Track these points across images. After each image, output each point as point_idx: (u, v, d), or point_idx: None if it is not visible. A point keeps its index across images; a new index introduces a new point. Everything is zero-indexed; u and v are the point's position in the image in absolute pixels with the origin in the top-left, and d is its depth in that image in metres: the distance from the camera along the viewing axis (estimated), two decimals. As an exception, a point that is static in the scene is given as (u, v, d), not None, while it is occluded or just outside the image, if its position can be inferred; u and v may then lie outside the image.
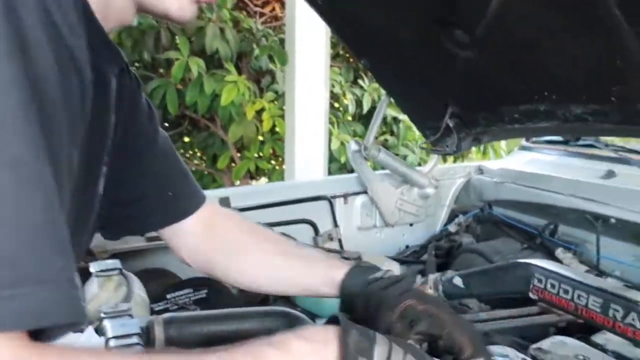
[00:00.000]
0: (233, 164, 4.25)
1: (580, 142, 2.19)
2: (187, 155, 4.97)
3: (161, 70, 4.02)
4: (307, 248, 1.04)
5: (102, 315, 1.11)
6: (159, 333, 1.16)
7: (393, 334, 0.78)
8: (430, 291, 1.53)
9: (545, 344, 1.23)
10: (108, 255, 1.72)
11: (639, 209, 1.71)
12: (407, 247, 2.42)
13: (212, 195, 2.08)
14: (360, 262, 0.87)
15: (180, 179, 1.09)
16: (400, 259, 2.29)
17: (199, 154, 4.77)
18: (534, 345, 1.23)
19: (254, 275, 1.07)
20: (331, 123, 3.87)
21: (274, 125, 3.80)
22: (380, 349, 0.60)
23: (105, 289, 1.44)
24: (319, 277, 0.97)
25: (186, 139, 4.63)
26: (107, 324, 1.14)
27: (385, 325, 0.81)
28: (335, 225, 2.24)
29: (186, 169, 1.11)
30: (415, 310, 0.79)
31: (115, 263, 1.41)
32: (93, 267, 1.38)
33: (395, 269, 1.94)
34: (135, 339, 1.11)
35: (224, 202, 1.98)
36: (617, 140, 2.30)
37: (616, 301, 1.09)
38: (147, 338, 1.16)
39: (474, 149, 4.96)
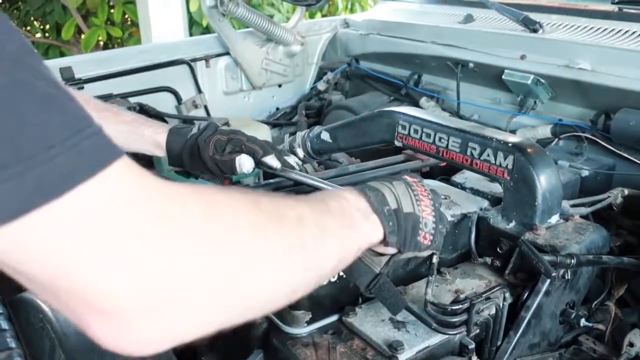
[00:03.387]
0: (82, 35, 3.80)
1: (441, -12, 2.16)
2: (27, 28, 4.37)
3: None
4: (128, 112, 1.25)
5: None
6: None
7: (217, 162, 1.15)
8: (299, 149, 1.49)
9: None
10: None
11: (494, 52, 1.75)
12: (277, 109, 2.35)
13: (52, 65, 1.83)
14: (179, 125, 1.25)
15: None
16: (271, 122, 2.23)
17: (38, 25, 4.20)
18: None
19: None
20: (187, -19, 3.52)
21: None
22: (388, 194, 0.80)
23: None
24: (146, 140, 1.18)
25: (21, 7, 4.03)
26: None
27: (207, 160, 1.15)
28: (199, 91, 2.10)
29: None
30: (222, 140, 1.15)
31: None
32: None
33: (266, 132, 1.88)
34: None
35: (66, 72, 1.75)
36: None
37: (473, 140, 1.11)
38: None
39: (341, 6, 4.84)
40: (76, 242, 0.42)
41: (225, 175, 1.23)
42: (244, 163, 1.14)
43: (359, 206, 0.76)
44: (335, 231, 0.68)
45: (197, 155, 1.16)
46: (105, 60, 1.95)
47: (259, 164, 1.16)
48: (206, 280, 0.49)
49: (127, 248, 0.44)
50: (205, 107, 2.11)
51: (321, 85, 2.32)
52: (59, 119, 0.41)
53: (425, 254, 0.88)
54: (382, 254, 0.85)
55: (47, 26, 4.15)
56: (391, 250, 0.82)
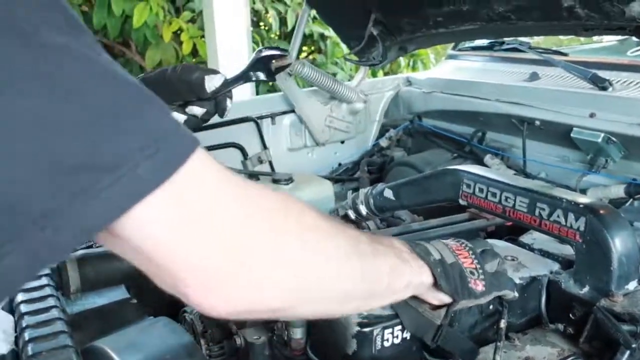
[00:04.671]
0: (155, 92, 4.02)
1: (505, 47, 2.17)
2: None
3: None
4: None
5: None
6: (72, 273, 1.08)
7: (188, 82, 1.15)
8: (362, 206, 1.50)
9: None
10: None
11: (562, 110, 1.72)
12: (339, 165, 2.39)
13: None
14: None
15: None
16: (333, 178, 2.26)
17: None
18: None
19: None
20: (255, 42, 3.68)
21: (194, 48, 3.58)
22: (429, 247, 0.85)
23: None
24: None
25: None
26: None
27: (175, 82, 1.16)
28: (264, 147, 2.16)
29: None
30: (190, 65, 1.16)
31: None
32: None
33: (328, 188, 1.90)
34: (45, 281, 1.03)
35: (142, 130, 1.85)
36: (542, 43, 2.30)
37: (542, 200, 1.09)
38: (59, 279, 1.07)
39: (403, 64, 4.92)
40: (186, 219, 0.48)
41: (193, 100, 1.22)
42: (213, 78, 1.15)
43: (406, 249, 0.81)
44: (386, 254, 0.74)
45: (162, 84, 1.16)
46: (177, 118, 2.05)
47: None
48: (280, 264, 0.56)
49: (224, 226, 0.51)
50: (270, 163, 2.17)
51: (383, 142, 2.34)
52: (155, 110, 0.47)
53: (484, 300, 0.88)
54: (439, 307, 0.87)
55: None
56: (445, 299, 0.85)
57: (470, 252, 0.88)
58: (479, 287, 0.85)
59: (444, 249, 0.87)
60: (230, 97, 1.30)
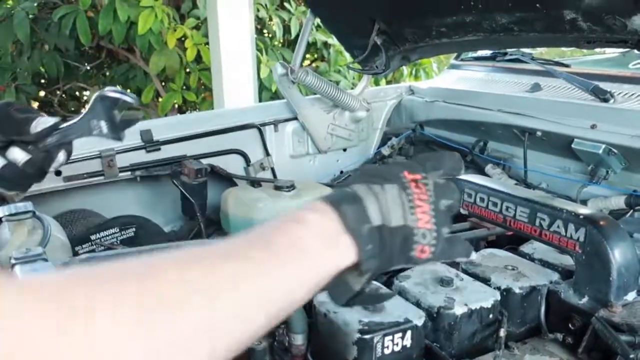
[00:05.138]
0: (159, 98, 4.04)
1: (507, 57, 2.18)
2: (110, 91, 4.68)
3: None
4: None
5: (13, 261, 1.03)
6: (76, 276, 1.08)
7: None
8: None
9: (476, 257, 1.24)
10: (20, 198, 1.58)
11: (563, 121, 1.73)
12: (341, 172, 2.40)
13: (133, 128, 1.95)
14: None
15: None
16: (335, 185, 2.27)
17: (120, 88, 4.51)
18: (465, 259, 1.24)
19: None
20: (259, 50, 3.71)
21: (198, 54, 3.61)
22: (372, 207, 0.67)
23: (18, 234, 1.32)
24: None
25: (107, 73, 4.35)
26: (17, 270, 1.06)
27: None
28: (267, 154, 2.18)
29: None
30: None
31: (26, 206, 1.30)
32: (2, 212, 1.27)
33: (330, 194, 1.90)
34: (48, 284, 1.04)
35: (146, 134, 1.86)
36: (545, 55, 2.32)
37: (542, 210, 1.10)
38: (62, 282, 1.08)
39: (406, 73, 4.94)
40: None
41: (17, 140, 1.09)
42: (40, 120, 1.06)
43: (323, 231, 0.65)
44: (267, 273, 0.58)
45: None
46: (181, 124, 2.06)
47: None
48: None
49: None
50: (272, 170, 2.18)
51: (385, 150, 2.35)
52: None
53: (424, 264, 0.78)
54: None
55: (129, 90, 4.45)
56: None
57: (432, 204, 0.71)
58: (425, 254, 0.70)
59: (396, 202, 0.69)
60: (69, 152, 1.13)
